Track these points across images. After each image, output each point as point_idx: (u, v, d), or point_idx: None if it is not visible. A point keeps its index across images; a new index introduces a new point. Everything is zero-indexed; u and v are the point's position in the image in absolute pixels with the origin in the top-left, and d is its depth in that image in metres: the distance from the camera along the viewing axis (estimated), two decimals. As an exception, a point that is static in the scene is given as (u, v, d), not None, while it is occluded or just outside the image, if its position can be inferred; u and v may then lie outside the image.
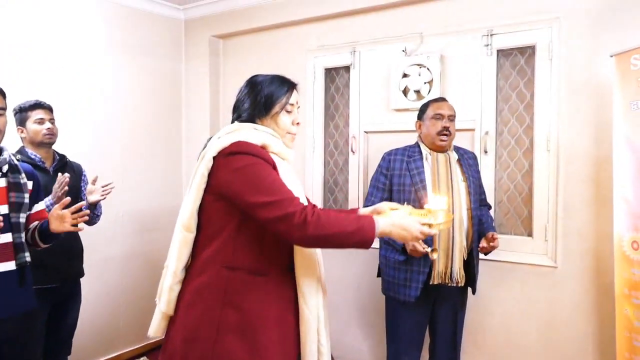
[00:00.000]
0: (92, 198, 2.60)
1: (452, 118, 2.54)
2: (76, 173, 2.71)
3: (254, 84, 1.72)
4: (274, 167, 1.58)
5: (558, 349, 2.78)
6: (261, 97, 1.67)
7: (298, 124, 1.74)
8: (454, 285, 2.44)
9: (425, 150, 2.56)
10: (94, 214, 2.67)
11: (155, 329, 1.65)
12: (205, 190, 1.59)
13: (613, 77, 2.38)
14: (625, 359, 2.34)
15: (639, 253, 2.26)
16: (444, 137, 2.50)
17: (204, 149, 1.66)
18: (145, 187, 3.84)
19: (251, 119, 1.67)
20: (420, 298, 2.47)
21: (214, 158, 1.56)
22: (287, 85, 1.71)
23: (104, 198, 2.63)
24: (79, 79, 3.38)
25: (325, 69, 3.60)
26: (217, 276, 1.56)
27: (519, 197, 2.96)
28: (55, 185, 2.34)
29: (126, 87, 3.69)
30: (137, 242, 3.78)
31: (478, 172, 2.68)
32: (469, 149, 2.90)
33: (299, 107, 1.76)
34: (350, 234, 1.48)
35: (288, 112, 1.70)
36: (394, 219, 1.55)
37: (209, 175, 1.57)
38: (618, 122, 2.35)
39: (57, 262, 2.52)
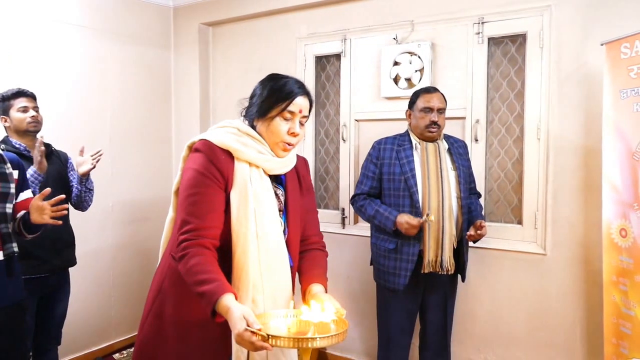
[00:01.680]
0: (82, 169, 2.58)
1: (441, 111, 2.54)
2: (62, 161, 2.69)
3: (266, 81, 1.62)
4: (227, 181, 1.52)
5: (547, 335, 2.81)
6: (263, 97, 1.58)
7: (294, 134, 1.57)
8: (444, 273, 2.46)
9: (415, 139, 2.57)
10: (86, 187, 2.65)
11: None
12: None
13: (603, 65, 2.38)
14: (612, 344, 2.37)
15: (627, 240, 2.28)
16: (433, 130, 2.50)
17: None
18: (135, 177, 3.81)
19: (250, 117, 1.62)
20: (410, 286, 2.49)
21: (188, 147, 1.62)
22: (296, 89, 1.57)
23: (94, 166, 2.62)
24: (65, 66, 3.33)
25: (316, 57, 3.57)
26: (165, 262, 1.63)
27: (509, 185, 2.97)
28: (35, 152, 2.38)
29: (114, 75, 3.64)
30: (128, 233, 3.76)
31: (468, 160, 2.68)
32: (460, 137, 2.91)
33: (304, 116, 1.59)
34: (198, 294, 1.39)
35: (286, 119, 1.56)
36: (232, 308, 1.31)
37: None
38: (607, 110, 2.36)
39: (46, 253, 2.50)
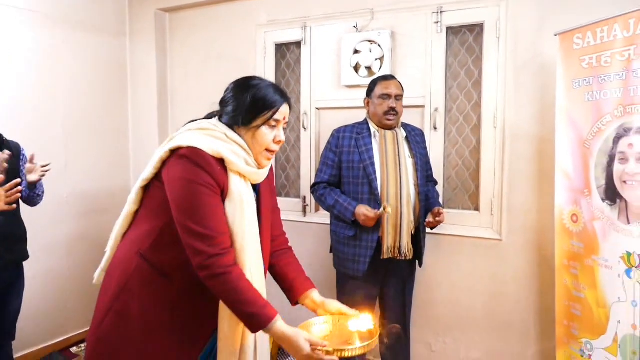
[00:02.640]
0: (31, 177, 2.48)
1: (399, 97, 2.56)
2: (14, 153, 2.58)
3: (243, 87, 1.56)
4: (223, 190, 1.49)
5: (502, 318, 2.90)
6: (245, 105, 1.53)
7: (280, 142, 1.58)
8: (403, 259, 2.49)
9: (373, 127, 2.58)
10: (34, 193, 2.56)
11: (97, 278, 1.71)
12: (156, 174, 1.55)
13: (557, 56, 2.45)
14: (563, 326, 2.46)
15: (578, 225, 2.37)
16: (391, 117, 2.52)
17: (183, 126, 1.60)
18: (90, 168, 3.70)
19: (230, 124, 1.55)
20: (370, 272, 2.51)
21: (171, 150, 1.50)
22: (278, 98, 1.55)
23: (44, 175, 2.53)
24: (13, 53, 3.18)
25: (276, 45, 3.54)
26: (129, 259, 1.55)
27: (466, 173, 3.03)
28: None
29: (66, 63, 3.51)
30: (83, 225, 3.65)
31: (425, 149, 2.72)
32: (419, 125, 2.94)
33: (286, 122, 1.60)
34: (241, 312, 1.44)
35: (272, 127, 1.55)
36: (289, 333, 1.45)
37: (163, 162, 1.52)
38: (560, 100, 2.43)
39: (-2, 248, 2.41)
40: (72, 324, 3.62)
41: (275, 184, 1.85)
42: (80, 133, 3.62)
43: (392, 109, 2.51)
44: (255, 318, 1.43)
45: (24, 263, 2.64)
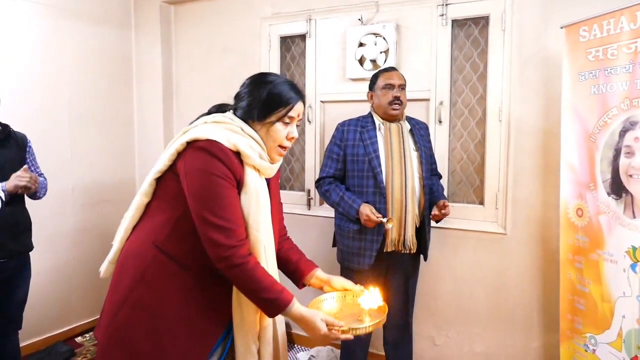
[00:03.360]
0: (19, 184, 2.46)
1: (402, 87, 2.56)
2: (20, 145, 2.59)
3: (259, 83, 1.58)
4: (239, 182, 1.50)
5: (506, 312, 2.89)
6: (261, 101, 1.54)
7: (293, 139, 1.60)
8: (407, 252, 2.49)
9: (378, 120, 2.58)
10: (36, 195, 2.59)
11: (104, 271, 1.71)
12: (170, 166, 1.55)
13: (562, 48, 2.43)
14: (567, 320, 2.45)
15: (583, 220, 2.35)
16: (396, 107, 2.51)
17: (196, 119, 1.61)
18: (95, 160, 3.71)
19: (245, 118, 1.57)
20: (374, 265, 2.51)
21: (187, 142, 1.51)
22: (294, 95, 1.57)
23: (29, 188, 2.48)
24: (19, 45, 3.20)
25: (281, 37, 3.53)
26: (145, 250, 1.55)
27: (471, 167, 3.02)
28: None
29: (72, 55, 3.52)
30: (88, 216, 3.67)
31: (429, 142, 2.72)
32: (424, 118, 2.93)
33: (300, 119, 1.62)
34: (259, 299, 1.49)
35: (285, 123, 1.57)
36: (306, 314, 1.52)
37: (179, 154, 1.53)
38: (566, 93, 2.41)
39: (2, 238, 2.43)
40: (77, 314, 3.65)
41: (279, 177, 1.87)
42: (86, 125, 3.64)
43: (397, 97, 2.50)
44: (274, 303, 1.48)
45: (31, 253, 2.66)
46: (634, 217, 2.11)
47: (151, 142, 3.95)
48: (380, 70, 2.65)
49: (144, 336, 1.52)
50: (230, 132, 1.51)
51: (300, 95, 1.60)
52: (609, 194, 2.22)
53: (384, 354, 2.84)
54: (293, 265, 1.80)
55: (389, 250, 2.47)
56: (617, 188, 2.18)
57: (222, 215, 1.44)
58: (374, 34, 3.09)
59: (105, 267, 1.70)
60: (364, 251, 2.51)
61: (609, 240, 2.22)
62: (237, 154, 1.50)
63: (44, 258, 3.29)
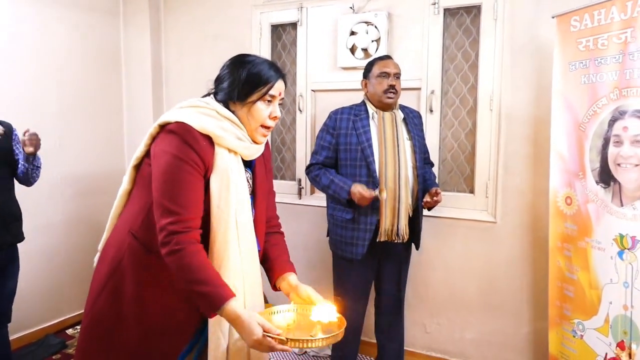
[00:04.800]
0: (28, 149, 2.49)
1: (397, 76, 2.55)
2: (6, 133, 2.56)
3: (238, 63, 1.55)
4: (208, 168, 1.48)
5: (496, 299, 2.93)
6: (241, 81, 1.52)
7: (276, 117, 1.57)
8: (400, 241, 2.50)
9: (371, 109, 2.57)
10: (33, 165, 2.56)
11: (96, 262, 1.68)
12: (147, 152, 1.55)
13: (554, 38, 2.44)
14: (556, 307, 2.49)
15: (572, 208, 2.38)
16: (391, 95, 2.51)
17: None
18: (84, 149, 3.68)
19: (225, 100, 1.55)
20: (367, 255, 2.52)
21: (160, 126, 1.51)
22: (274, 73, 1.54)
23: (37, 148, 2.52)
24: (5, 33, 3.14)
25: (272, 26, 3.51)
26: (122, 238, 1.56)
27: (462, 156, 3.04)
28: None
29: (59, 42, 3.47)
30: (78, 206, 3.65)
31: (422, 131, 2.72)
32: (415, 107, 2.94)
33: (282, 98, 1.60)
34: (194, 292, 1.39)
35: (267, 102, 1.54)
36: (242, 315, 1.37)
37: (153, 139, 1.53)
38: (557, 82, 2.43)
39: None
40: (68, 306, 3.63)
41: (272, 166, 1.85)
42: (74, 113, 3.60)
43: (392, 86, 2.50)
44: (208, 297, 1.38)
45: (19, 245, 2.64)
46: (622, 205, 2.14)
47: (141, 131, 3.92)
48: (375, 59, 2.63)
49: (121, 323, 1.53)
50: (203, 116, 1.50)
51: (281, 74, 1.58)
52: (597, 183, 2.25)
53: (375, 341, 2.87)
54: (269, 262, 1.72)
55: (382, 240, 2.48)
56: (606, 177, 2.21)
57: (176, 200, 1.41)
58: (366, 22, 3.08)
59: (96, 258, 1.70)
60: (357, 240, 2.52)
61: (597, 228, 2.25)
62: (209, 138, 1.48)
63: (34, 249, 3.26)
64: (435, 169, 2.96)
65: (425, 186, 2.62)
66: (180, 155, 1.43)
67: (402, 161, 2.48)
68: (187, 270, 1.39)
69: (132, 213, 1.57)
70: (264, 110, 1.54)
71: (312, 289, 1.62)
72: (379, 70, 2.53)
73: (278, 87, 1.56)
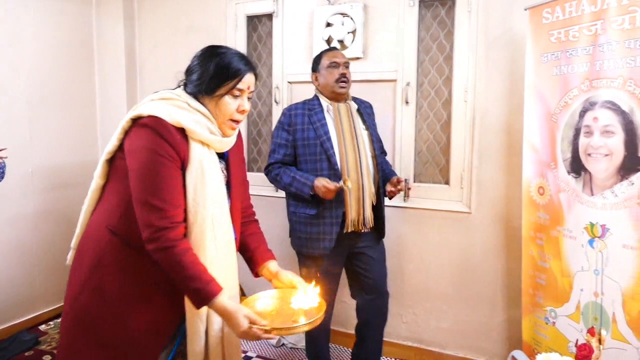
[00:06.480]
0: None
1: (347, 65, 2.56)
2: None
3: (208, 55, 1.54)
4: (184, 161, 1.47)
5: (471, 288, 2.97)
6: (209, 73, 1.51)
7: (244, 111, 1.56)
8: (367, 230, 2.50)
9: (325, 101, 2.56)
10: None
11: (69, 258, 1.67)
12: (120, 146, 1.53)
13: (526, 30, 2.47)
14: (529, 295, 2.54)
15: (544, 198, 2.42)
16: (343, 84, 2.51)
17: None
18: (56, 141, 3.60)
19: (195, 92, 1.54)
20: (334, 249, 2.49)
21: (133, 120, 1.49)
22: (243, 66, 1.53)
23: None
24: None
25: (247, 17, 3.48)
26: (100, 234, 1.54)
27: (437, 147, 3.06)
28: None
29: (29, 32, 3.38)
30: (50, 199, 3.58)
31: (374, 120, 2.73)
32: (390, 99, 2.96)
33: (251, 92, 1.58)
34: (185, 287, 1.45)
35: (235, 96, 1.53)
36: (229, 308, 1.45)
37: (126, 133, 1.51)
38: (529, 74, 2.46)
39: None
40: (41, 301, 3.57)
41: (245, 156, 1.84)
42: (45, 105, 3.52)
43: (343, 74, 2.50)
44: (200, 293, 1.44)
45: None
46: (592, 194, 2.19)
47: (114, 123, 3.79)
48: (322, 51, 2.63)
49: (105, 320, 1.52)
50: (175, 108, 1.49)
51: (251, 67, 1.57)
52: (569, 173, 2.29)
53: (353, 332, 2.86)
54: (250, 253, 1.77)
55: (349, 230, 2.46)
56: (577, 167, 2.25)
57: (159, 195, 1.41)
58: (342, 14, 3.08)
59: (70, 256, 1.67)
60: (324, 235, 2.48)
61: (569, 217, 2.30)
62: (182, 130, 1.47)
63: (4, 243, 3.20)
64: (410, 161, 2.98)
65: (384, 175, 2.62)
66: (157, 149, 1.42)
67: (362, 151, 2.47)
68: (179, 267, 1.43)
69: (108, 208, 1.55)
70: (231, 104, 1.54)
71: (292, 273, 1.72)
72: (328, 61, 2.53)
73: (247, 81, 1.55)
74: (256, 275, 1.77)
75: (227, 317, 1.46)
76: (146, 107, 1.48)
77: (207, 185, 1.50)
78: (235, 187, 1.68)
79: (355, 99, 2.65)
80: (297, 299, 1.60)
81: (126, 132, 1.51)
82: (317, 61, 2.60)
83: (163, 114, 1.45)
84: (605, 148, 2.13)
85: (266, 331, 1.44)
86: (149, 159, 1.42)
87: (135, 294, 1.52)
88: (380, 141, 2.77)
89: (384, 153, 2.84)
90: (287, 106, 2.64)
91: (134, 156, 1.45)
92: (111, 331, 1.52)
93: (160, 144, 1.42)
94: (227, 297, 1.50)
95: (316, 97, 2.60)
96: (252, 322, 1.44)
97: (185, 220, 1.48)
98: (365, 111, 2.63)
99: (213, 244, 1.53)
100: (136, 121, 1.48)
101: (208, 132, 1.52)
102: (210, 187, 1.51)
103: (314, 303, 1.59)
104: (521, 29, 2.63)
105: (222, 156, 1.65)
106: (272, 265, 1.74)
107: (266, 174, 2.64)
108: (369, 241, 2.62)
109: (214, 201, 1.53)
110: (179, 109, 1.49)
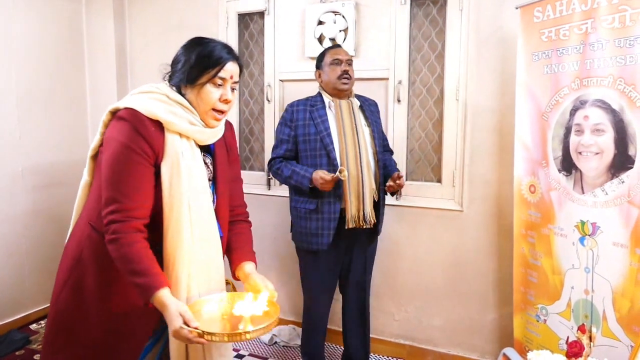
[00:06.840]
0: None
1: (349, 62, 2.58)
2: None
3: (191, 45, 1.54)
4: (157, 155, 1.45)
5: (462, 286, 2.98)
6: (190, 62, 1.50)
7: (227, 101, 1.53)
8: (368, 226, 2.51)
9: (327, 98, 2.59)
10: None
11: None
12: (103, 142, 1.53)
13: (518, 29, 2.47)
14: (520, 292, 2.55)
15: (535, 196, 2.44)
16: (345, 81, 2.54)
17: None
18: (46, 140, 3.57)
19: (177, 83, 1.54)
20: (332, 245, 2.52)
21: (111, 113, 1.50)
22: (225, 55, 1.51)
23: None
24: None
25: (239, 14, 3.47)
26: (81, 231, 1.55)
27: (429, 145, 3.07)
28: None
29: (18, 30, 3.35)
30: (40, 198, 3.55)
31: (379, 118, 2.75)
32: (382, 98, 2.95)
33: (234, 82, 1.55)
34: (130, 281, 1.39)
35: (217, 85, 1.51)
36: (168, 303, 1.36)
37: (106, 127, 1.52)
38: (521, 72, 2.46)
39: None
40: (32, 301, 3.54)
41: (238, 152, 1.82)
42: (35, 104, 3.49)
43: (345, 71, 2.53)
44: (141, 288, 1.38)
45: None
46: (583, 192, 2.20)
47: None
48: (326, 48, 2.68)
49: (84, 316, 1.51)
50: (152, 100, 1.48)
51: (233, 56, 1.55)
52: (559, 171, 2.30)
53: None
54: (230, 253, 1.71)
55: (350, 227, 2.48)
56: (568, 165, 2.26)
57: (119, 189, 1.40)
58: (334, 12, 3.07)
59: None
60: (322, 230, 2.51)
61: (560, 215, 2.31)
62: (159, 123, 1.46)
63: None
64: (402, 159, 2.98)
65: (386, 172, 2.64)
66: (128, 143, 1.41)
67: (363, 147, 2.49)
68: (124, 260, 1.39)
69: (92, 204, 1.55)
70: (213, 93, 1.51)
71: (263, 277, 1.60)
72: (331, 58, 2.56)
73: (229, 70, 1.52)
74: (234, 276, 1.68)
75: (165, 312, 1.36)
76: (124, 100, 1.50)
77: (182, 178, 1.48)
78: (222, 183, 1.65)
79: (359, 96, 2.67)
80: (241, 304, 1.49)
81: (107, 126, 1.52)
82: (320, 58, 2.63)
83: (138, 106, 1.45)
84: (596, 146, 2.14)
85: (199, 334, 1.32)
86: (119, 152, 1.42)
87: (113, 289, 1.51)
88: (384, 139, 2.80)
89: (389, 151, 2.84)
90: (290, 102, 2.65)
91: (107, 147, 1.46)
92: (90, 330, 1.51)
93: (133, 139, 1.42)
94: (205, 294, 1.48)
95: (319, 94, 2.63)
96: (185, 322, 1.34)
97: (148, 218, 1.45)
98: (369, 108, 2.65)
99: (190, 239, 1.50)
100: (114, 114, 1.50)
101: (187, 123, 1.50)
102: (187, 181, 1.49)
103: (259, 311, 1.46)
104: (512, 27, 2.64)
105: (208, 150, 1.63)
106: (247, 267, 1.64)
107: (269, 169, 2.69)
108: (365, 240, 2.65)
109: (192, 195, 1.50)
110: (156, 101, 1.48)
